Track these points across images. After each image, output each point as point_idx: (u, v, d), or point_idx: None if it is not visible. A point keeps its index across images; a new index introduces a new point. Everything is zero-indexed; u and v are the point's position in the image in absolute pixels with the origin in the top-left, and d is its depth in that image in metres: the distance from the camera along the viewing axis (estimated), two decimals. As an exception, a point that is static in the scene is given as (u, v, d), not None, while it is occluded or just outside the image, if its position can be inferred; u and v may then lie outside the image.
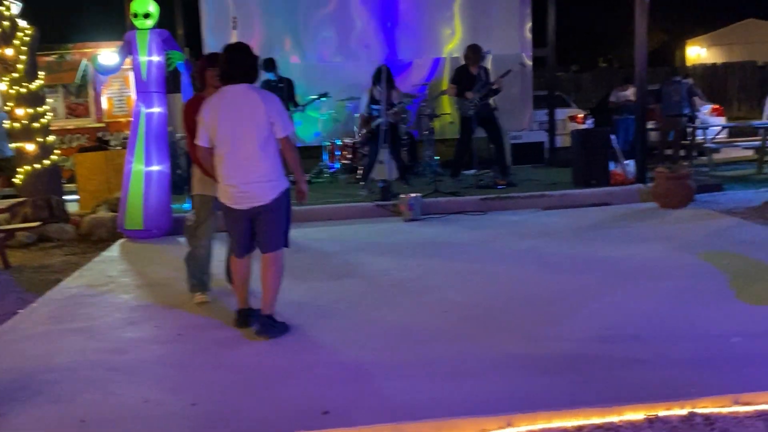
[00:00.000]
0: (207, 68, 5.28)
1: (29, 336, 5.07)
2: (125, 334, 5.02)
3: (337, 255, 6.55)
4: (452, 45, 12.80)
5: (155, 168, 8.30)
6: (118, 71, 9.23)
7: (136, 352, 4.64)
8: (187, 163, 9.40)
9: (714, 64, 28.35)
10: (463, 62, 10.41)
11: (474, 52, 10.09)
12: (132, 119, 8.50)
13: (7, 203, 7.71)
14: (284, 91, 10.48)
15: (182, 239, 8.14)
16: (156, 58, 8.25)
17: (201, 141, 4.73)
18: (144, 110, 8.25)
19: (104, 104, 13.11)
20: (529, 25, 12.89)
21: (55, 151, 9.72)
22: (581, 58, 37.99)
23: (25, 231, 8.68)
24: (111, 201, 9.55)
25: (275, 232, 4.78)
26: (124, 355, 4.59)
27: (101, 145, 11.15)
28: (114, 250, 7.91)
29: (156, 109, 8.31)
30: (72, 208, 10.02)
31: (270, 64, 10.56)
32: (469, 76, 10.05)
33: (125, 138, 11.12)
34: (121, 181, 8.75)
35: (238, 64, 4.63)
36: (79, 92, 13.19)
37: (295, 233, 7.54)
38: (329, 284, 5.66)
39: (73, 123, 13.22)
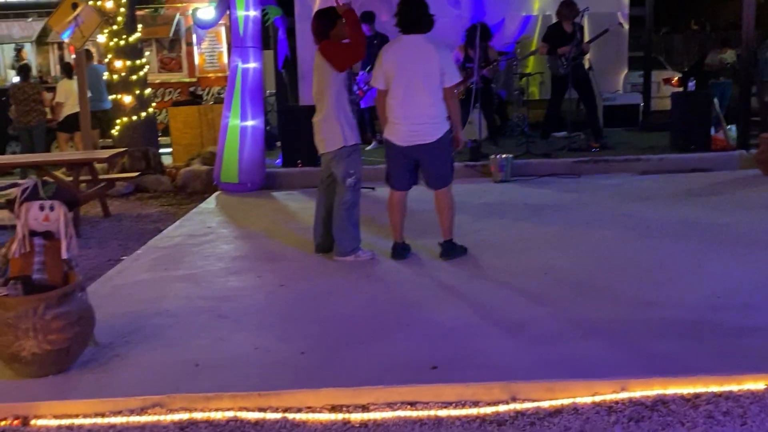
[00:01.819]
0: (336, 21, 5.37)
1: (136, 282, 5.23)
2: (229, 283, 5.13)
3: (431, 214, 6.51)
4: (543, 2, 12.48)
5: (250, 123, 8.40)
6: (216, 26, 9.34)
7: (241, 300, 4.74)
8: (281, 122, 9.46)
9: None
10: (555, 20, 10.11)
11: (568, 9, 9.72)
12: (229, 74, 8.59)
13: (107, 153, 7.94)
14: (377, 47, 10.32)
15: (276, 194, 8.32)
16: (253, 13, 8.30)
17: (377, 84, 5.28)
18: (241, 65, 8.33)
19: (196, 60, 13.30)
20: (626, -18, 12.47)
21: (151, 105, 9.95)
22: (671, 20, 36.67)
23: (124, 181, 8.94)
24: (204, 154, 9.75)
25: (443, 169, 5.31)
26: (229, 303, 4.69)
27: (194, 99, 11.33)
28: (211, 202, 8.08)
29: (252, 65, 8.39)
30: (165, 160, 10.28)
31: (367, 17, 10.28)
32: (562, 34, 9.73)
33: (219, 93, 11.33)
34: (213, 136, 8.91)
35: (417, 16, 5.13)
36: (172, 47, 13.42)
37: (385, 192, 7.57)
38: (424, 242, 5.65)
39: (165, 77, 13.48)
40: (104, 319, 4.09)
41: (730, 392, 3.29)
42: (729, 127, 9.45)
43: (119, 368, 3.70)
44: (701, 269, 4.98)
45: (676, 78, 14.53)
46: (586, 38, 9.81)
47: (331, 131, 5.36)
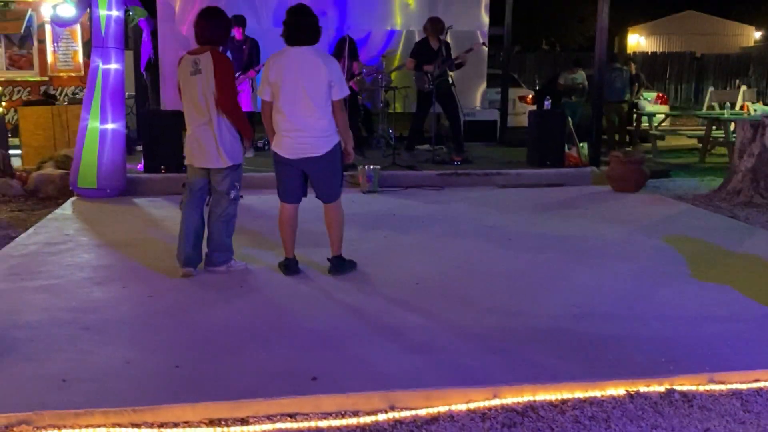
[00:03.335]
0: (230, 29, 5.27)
1: (-9, 292, 4.91)
2: (93, 294, 4.90)
3: (300, 224, 6.53)
4: (407, 18, 12.75)
5: (111, 126, 8.08)
6: (76, 24, 8.93)
7: (106, 312, 4.54)
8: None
9: (653, 53, 29.04)
10: (420, 35, 10.31)
11: (434, 25, 9.96)
12: (89, 75, 8.23)
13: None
14: (246, 51, 10.16)
15: (138, 200, 8.06)
16: (116, 13, 8.01)
17: (263, 95, 5.12)
18: (101, 66, 8.00)
19: (49, 58, 12.63)
20: (486, 1, 12.93)
21: (1, 103, 9.38)
22: (524, 40, 38.41)
23: (-30, 184, 8.38)
24: (58, 157, 9.28)
25: (333, 183, 5.27)
26: (94, 314, 4.48)
27: (47, 99, 10.76)
28: (67, 208, 7.69)
29: (113, 66, 8.07)
30: (14, 162, 9.71)
31: (239, 21, 10.05)
32: (429, 49, 9.98)
33: (74, 94, 10.82)
34: (67, 138, 8.50)
35: (305, 28, 4.98)
36: (22, 44, 12.67)
37: (254, 200, 7.49)
38: (303, 252, 5.63)
39: (12, 75, 12.71)
40: (-43, 333, 3.83)
41: (594, 398, 3.49)
42: (581, 144, 10.00)
43: (-24, 385, 3.47)
44: (563, 280, 5.25)
45: (530, 96, 15.24)
46: (453, 54, 10.08)
47: (221, 147, 5.11)
